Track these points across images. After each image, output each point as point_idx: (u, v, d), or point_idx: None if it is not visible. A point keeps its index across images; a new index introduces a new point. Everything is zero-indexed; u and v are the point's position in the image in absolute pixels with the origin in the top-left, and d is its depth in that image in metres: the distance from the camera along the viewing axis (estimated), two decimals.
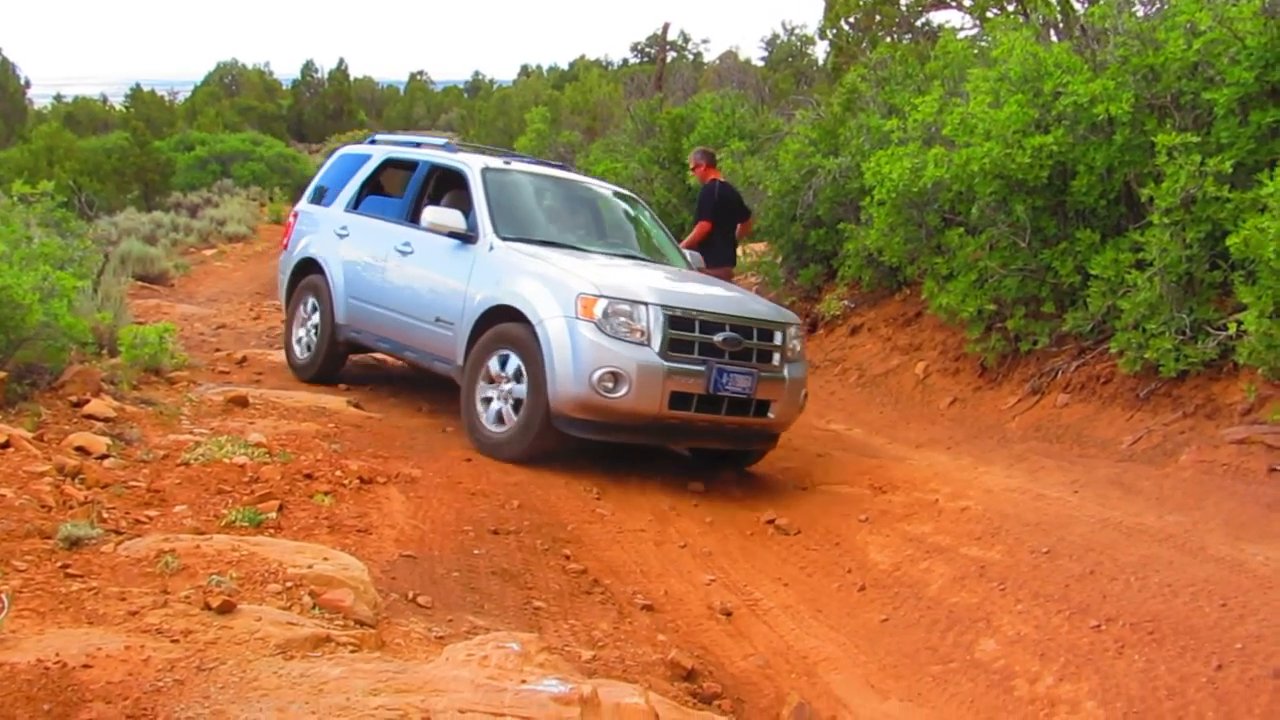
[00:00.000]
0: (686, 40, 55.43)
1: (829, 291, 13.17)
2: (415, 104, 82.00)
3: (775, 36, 46.03)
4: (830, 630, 5.68)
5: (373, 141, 10.86)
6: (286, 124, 63.36)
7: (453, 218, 8.34)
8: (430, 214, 8.44)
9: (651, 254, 9.27)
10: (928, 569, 6.22)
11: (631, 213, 9.93)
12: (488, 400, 7.76)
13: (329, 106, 66.15)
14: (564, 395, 7.21)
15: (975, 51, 11.29)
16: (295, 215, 10.86)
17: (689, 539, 6.70)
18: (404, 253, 8.97)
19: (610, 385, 7.12)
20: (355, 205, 10.01)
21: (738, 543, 6.78)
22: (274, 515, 5.49)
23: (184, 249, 23.35)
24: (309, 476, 6.19)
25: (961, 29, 16.95)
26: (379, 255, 9.27)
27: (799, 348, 8.08)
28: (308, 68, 69.06)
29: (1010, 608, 5.58)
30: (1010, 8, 16.42)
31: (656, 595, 5.80)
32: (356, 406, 8.72)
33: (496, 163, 9.20)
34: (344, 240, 9.78)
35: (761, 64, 41.08)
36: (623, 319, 7.23)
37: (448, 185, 9.38)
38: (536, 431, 7.38)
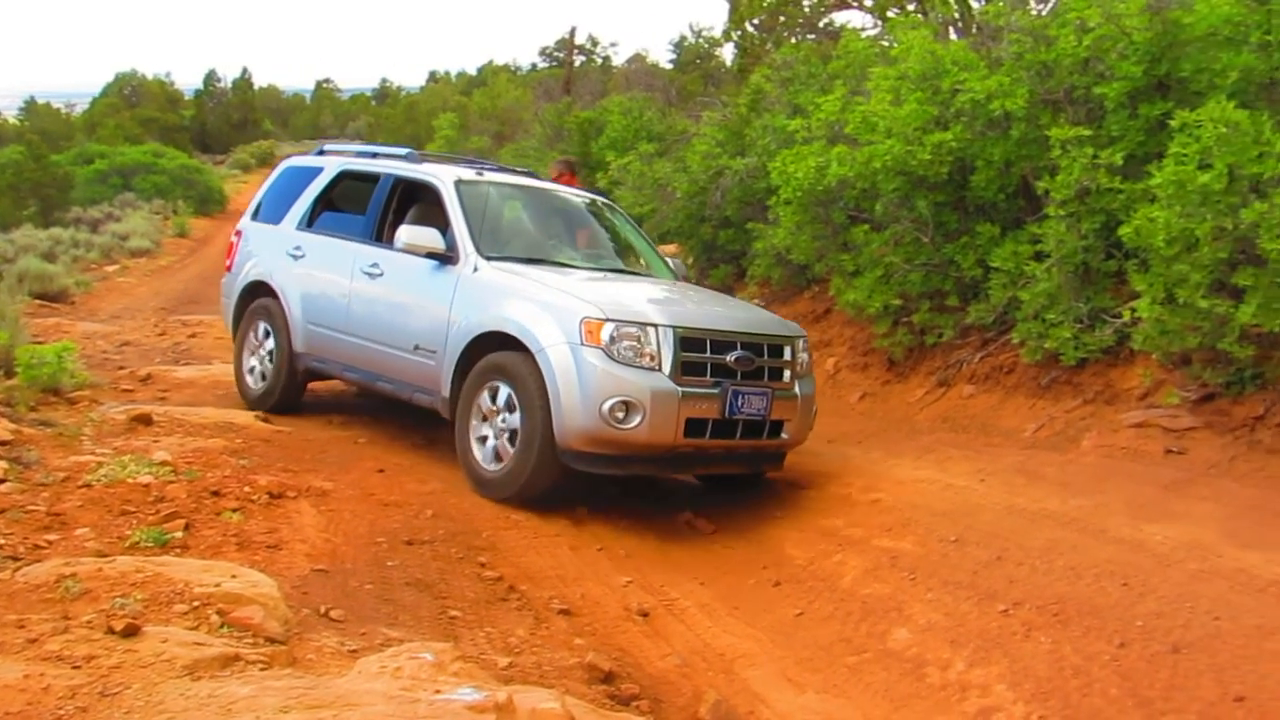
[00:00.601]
0: (595, 44, 55.40)
1: (740, 291, 13.26)
2: (322, 112, 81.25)
3: (683, 39, 46.22)
4: (747, 627, 5.73)
5: (321, 153, 10.07)
6: (190, 135, 62.39)
7: (430, 237, 7.72)
8: (406, 234, 7.73)
9: (636, 266, 8.82)
10: (841, 562, 6.29)
11: (612, 222, 9.41)
12: (483, 438, 7.23)
13: (233, 116, 65.30)
14: (572, 428, 6.68)
15: (877, 51, 11.41)
16: (238, 234, 10.04)
17: (605, 542, 6.71)
18: (372, 275, 8.29)
19: (622, 415, 6.61)
20: (309, 223, 9.28)
21: (655, 544, 6.80)
22: (180, 534, 5.40)
23: (85, 265, 22.81)
24: (217, 493, 6.10)
25: (863, 29, 17.14)
26: (342, 278, 8.54)
27: (808, 361, 7.69)
28: (210, 77, 68.11)
29: (921, 596, 5.68)
30: (910, 7, 16.64)
31: (573, 599, 5.79)
32: (265, 421, 8.60)
33: (469, 174, 8.54)
34: (299, 262, 9.06)
35: (670, 66, 41.21)
36: (631, 343, 6.73)
37: (413, 199, 8.69)
38: (534, 467, 6.86)
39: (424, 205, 8.45)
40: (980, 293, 8.88)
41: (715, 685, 5.04)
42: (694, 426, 6.79)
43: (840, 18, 19.26)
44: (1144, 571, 5.34)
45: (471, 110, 33.52)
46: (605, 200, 9.89)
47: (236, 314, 9.67)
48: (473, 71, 63.36)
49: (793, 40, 19.27)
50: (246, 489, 6.28)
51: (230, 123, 64.84)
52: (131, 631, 3.84)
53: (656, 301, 7.28)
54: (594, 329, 6.71)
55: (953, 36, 11.52)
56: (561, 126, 20.28)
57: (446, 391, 7.50)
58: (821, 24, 20.68)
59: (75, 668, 3.58)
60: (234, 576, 4.56)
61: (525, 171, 10.28)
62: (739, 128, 13.68)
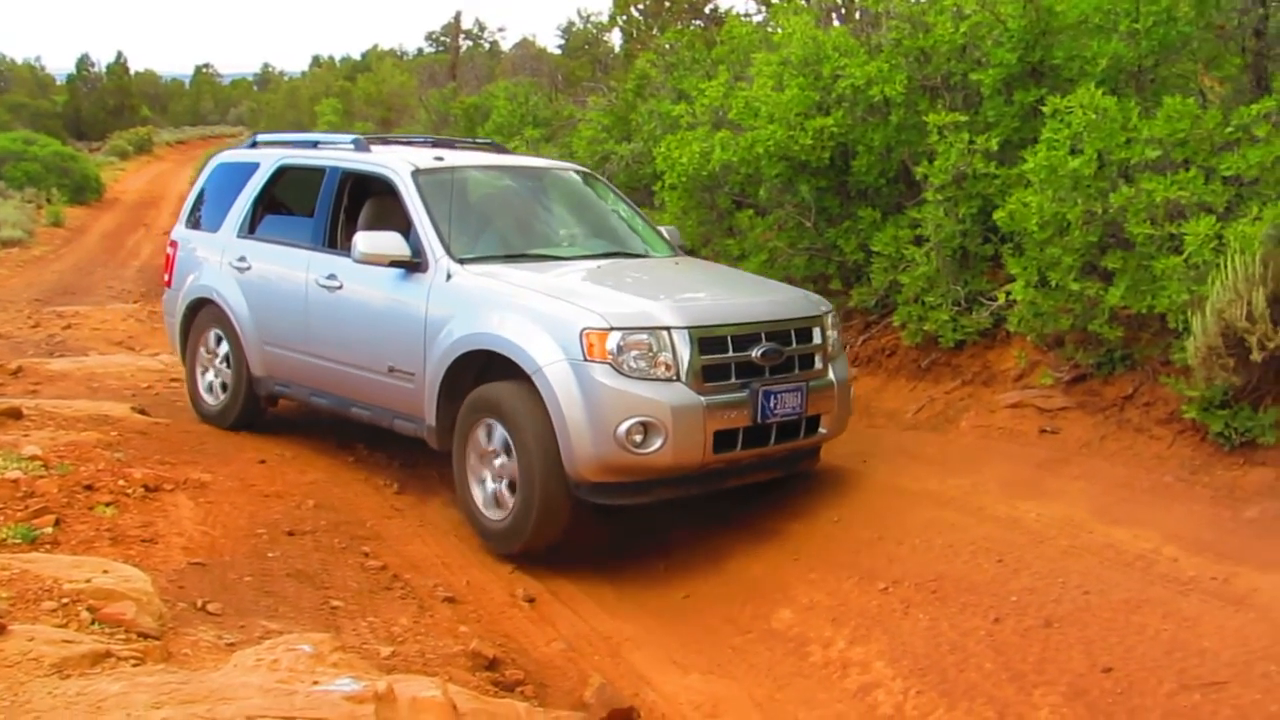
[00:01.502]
0: (481, 29, 55.02)
1: None
2: (202, 98, 79.51)
3: (570, 25, 46.10)
4: (634, 610, 5.77)
5: (254, 144, 8.98)
6: (63, 121, 60.35)
7: (391, 244, 6.67)
8: (363, 243, 6.65)
9: (631, 245, 7.72)
10: (727, 543, 6.35)
11: (597, 196, 8.32)
12: (483, 480, 6.34)
13: (109, 102, 63.45)
14: (584, 458, 5.78)
15: (760, 37, 11.49)
16: (173, 245, 8.97)
17: None
18: (330, 288, 7.25)
19: (640, 439, 5.74)
20: (251, 229, 8.24)
21: None
22: (50, 530, 5.26)
23: None
24: (89, 488, 5.94)
25: (747, 15, 17.29)
26: (297, 292, 7.52)
27: (838, 340, 6.84)
28: (83, 62, 66.00)
29: (804, 576, 5.77)
30: None
31: (459, 587, 5.77)
32: (142, 413, 8.39)
33: (426, 160, 7.40)
34: (246, 275, 8.04)
35: (558, 52, 41.08)
36: (643, 352, 5.82)
37: (366, 194, 7.60)
38: (539, 514, 5.97)
39: (379, 201, 7.42)
40: (862, 277, 9.00)
41: (601, 668, 5.06)
42: (723, 439, 5.96)
43: (724, 3, 19.41)
44: (1018, 548, 5.48)
45: (356, 96, 33.07)
46: (586, 171, 8.87)
47: (183, 332, 8.67)
48: (357, 56, 62.40)
49: (678, 26, 19.35)
50: (121, 482, 6.13)
51: (106, 109, 62.90)
52: None
53: (665, 296, 6.33)
54: (597, 340, 5.80)
55: (834, 23, 11.64)
56: (447, 112, 20.10)
57: (432, 419, 6.58)
58: (706, 9, 20.81)
59: None
60: (106, 572, 4.44)
61: (489, 144, 9.44)
62: (625, 113, 13.69)
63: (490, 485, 6.28)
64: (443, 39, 52.11)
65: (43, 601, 4.06)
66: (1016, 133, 7.83)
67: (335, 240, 7.49)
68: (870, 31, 9.24)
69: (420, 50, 55.00)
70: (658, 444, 5.78)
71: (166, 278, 9.01)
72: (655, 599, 5.90)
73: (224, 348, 8.24)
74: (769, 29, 12.04)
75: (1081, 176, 6.50)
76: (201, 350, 8.49)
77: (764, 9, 17.44)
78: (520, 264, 6.78)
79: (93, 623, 4.04)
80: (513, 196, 7.94)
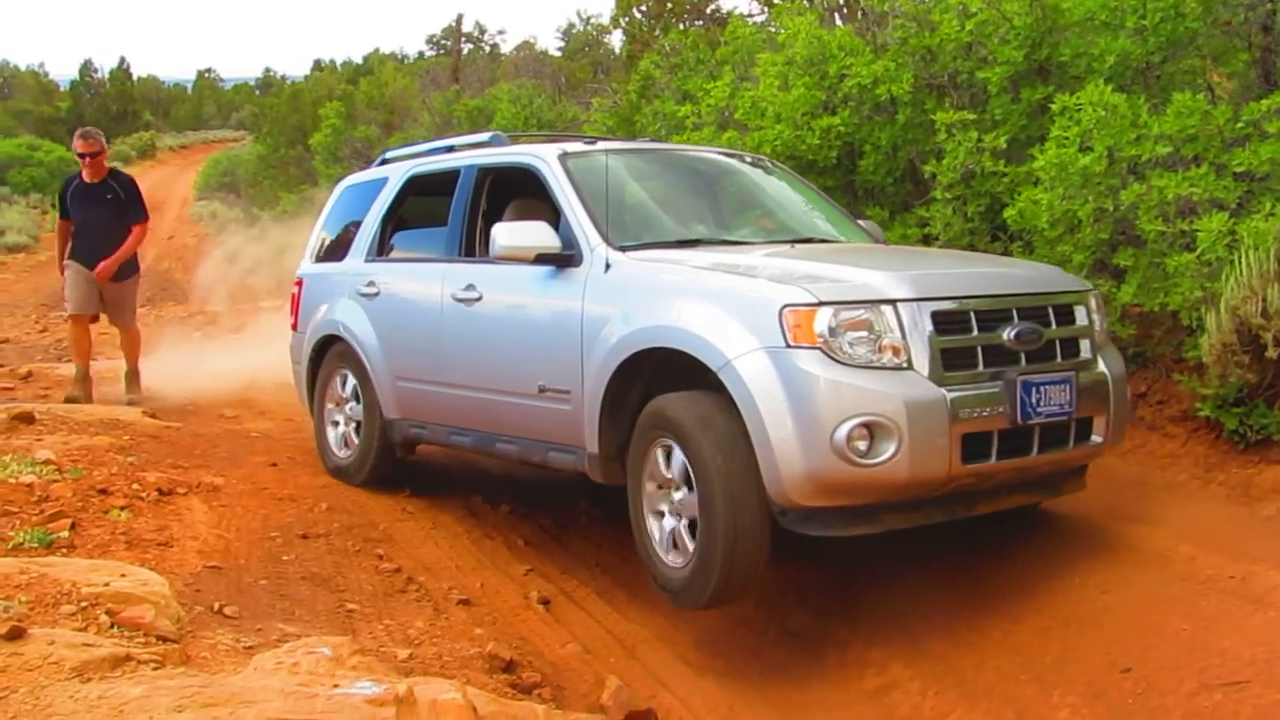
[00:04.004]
0: (482, 32, 55.15)
1: None
2: (204, 102, 79.53)
3: (571, 26, 46.15)
4: (648, 613, 5.74)
5: (383, 161, 7.93)
6: (67, 127, 60.08)
7: (537, 234, 5.61)
8: (503, 234, 5.58)
9: (824, 232, 6.42)
10: None
11: (778, 181, 7.01)
12: (660, 516, 5.09)
13: (112, 108, 63.41)
14: (791, 475, 4.46)
15: (763, 37, 11.49)
16: (299, 283, 8.02)
17: (503, 531, 6.68)
18: (468, 301, 6.22)
19: (865, 445, 4.41)
20: (379, 251, 7.31)
21: (553, 533, 6.78)
22: (66, 534, 5.26)
23: None
24: (104, 492, 5.96)
25: (750, 15, 17.25)
26: (430, 312, 6.52)
27: (1105, 326, 5.52)
28: (86, 68, 66.03)
29: (816, 578, 5.75)
30: None
31: (473, 589, 5.76)
32: (153, 417, 8.41)
33: (576, 145, 6.41)
34: (374, 302, 7.05)
35: (558, 54, 41.10)
36: (863, 333, 4.53)
37: (508, 193, 6.53)
38: (726, 549, 4.60)
39: (524, 201, 6.35)
40: None
41: (617, 671, 5.05)
42: (974, 446, 4.60)
43: (726, 4, 19.42)
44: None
45: (358, 99, 32.98)
46: (760, 157, 7.58)
47: (309, 378, 7.75)
48: (358, 60, 62.49)
49: (680, 27, 19.36)
50: (135, 486, 6.14)
51: (109, 114, 62.84)
52: (16, 634, 3.72)
53: (884, 267, 4.97)
54: (803, 320, 4.51)
55: (838, 22, 11.64)
56: (450, 115, 20.09)
57: (595, 445, 5.41)
58: (708, 10, 20.82)
59: None
60: (123, 575, 4.44)
61: (648, 140, 8.73)
62: (629, 114, 13.68)
63: (669, 523, 5.03)
64: (444, 42, 52.19)
65: (61, 605, 4.06)
66: (1024, 130, 7.83)
67: (473, 249, 6.52)
68: (875, 30, 9.24)
69: (421, 53, 55.17)
70: (889, 452, 4.41)
71: (292, 321, 8.04)
72: (668, 600, 5.90)
73: (355, 392, 7.31)
74: (772, 29, 12.06)
75: (1092, 174, 6.50)
76: (330, 397, 7.56)
77: (766, 9, 17.46)
78: (693, 249, 5.58)
79: (112, 626, 4.03)
80: (679, 181, 6.74)
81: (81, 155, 9.47)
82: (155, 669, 3.76)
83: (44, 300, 17.81)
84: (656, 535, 5.07)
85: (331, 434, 7.50)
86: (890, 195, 9.06)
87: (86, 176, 9.51)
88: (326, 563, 5.72)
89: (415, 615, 5.25)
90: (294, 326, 7.97)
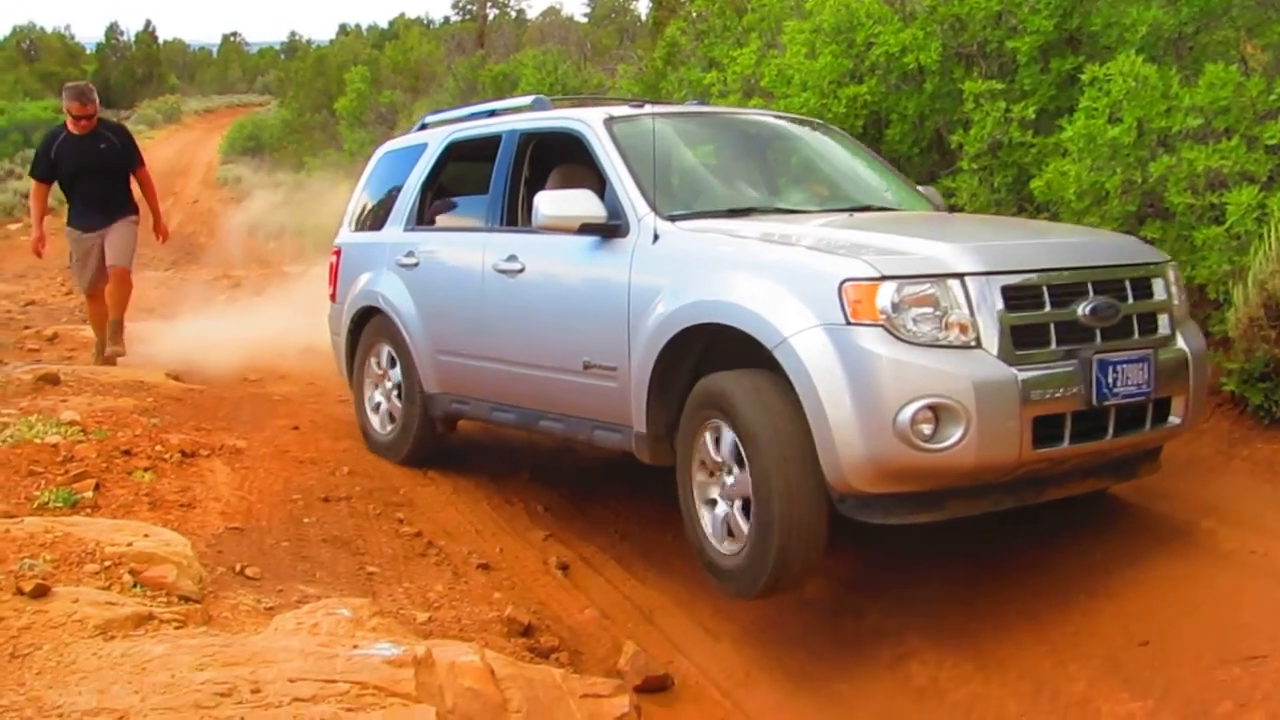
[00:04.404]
0: None
1: None
2: (230, 66, 79.58)
3: None
4: (666, 579, 5.77)
5: (423, 126, 7.60)
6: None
7: (582, 202, 5.35)
8: (546, 203, 5.33)
9: (885, 200, 6.10)
10: None
11: (835, 148, 6.63)
12: (711, 501, 4.87)
13: (137, 71, 63.70)
14: (851, 460, 4.22)
15: (790, 4, 11.40)
16: (337, 252, 7.75)
17: (523, 497, 6.70)
18: (509, 272, 5.95)
19: (931, 429, 4.17)
20: (419, 219, 7.03)
21: (571, 499, 6.80)
22: (90, 494, 5.31)
23: None
24: (127, 453, 6.00)
25: None
26: (471, 283, 6.26)
27: (1184, 300, 5.15)
28: (112, 30, 66.35)
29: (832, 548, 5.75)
30: None
31: (492, 554, 5.79)
32: (176, 379, 8.46)
33: (622, 109, 6.06)
34: (413, 273, 6.78)
35: (584, 20, 40.97)
36: (928, 309, 4.26)
37: (551, 160, 6.33)
38: (782, 536, 4.38)
39: (568, 168, 6.12)
40: None
41: (634, 636, 5.08)
42: (1046, 429, 4.34)
43: None
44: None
45: (383, 65, 32.96)
46: (815, 120, 7.26)
47: (348, 351, 7.48)
48: (384, 24, 62.50)
49: None
50: (158, 448, 6.18)
51: (134, 78, 63.18)
52: (41, 592, 3.77)
53: (949, 238, 4.72)
54: (864, 295, 4.24)
55: None
56: (475, 81, 20.06)
57: (643, 424, 5.17)
58: None
59: None
60: (146, 536, 4.48)
61: (696, 102, 8.42)
62: (654, 81, 13.62)
63: (720, 508, 4.79)
64: (469, 7, 52.09)
65: (85, 564, 4.10)
66: (1052, 101, 7.75)
67: (516, 216, 6.26)
68: None
69: (447, 19, 55.01)
70: (956, 436, 4.17)
71: (331, 292, 7.76)
72: (686, 567, 5.89)
73: (395, 365, 7.07)
74: None
75: (1120, 145, 6.43)
76: (370, 371, 7.31)
77: None
78: (746, 219, 5.30)
79: (134, 585, 4.08)
80: (731, 147, 6.44)
81: (77, 119, 9.15)
82: (177, 628, 3.80)
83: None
84: (708, 523, 4.83)
85: (371, 409, 7.28)
86: (916, 165, 9.00)
87: (75, 129, 9.16)
88: (347, 526, 5.76)
89: (435, 579, 5.28)
90: (332, 297, 7.72)
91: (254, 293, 14.34)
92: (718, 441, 4.73)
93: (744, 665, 4.88)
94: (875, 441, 4.16)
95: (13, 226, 22.74)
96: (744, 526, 4.58)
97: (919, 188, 6.53)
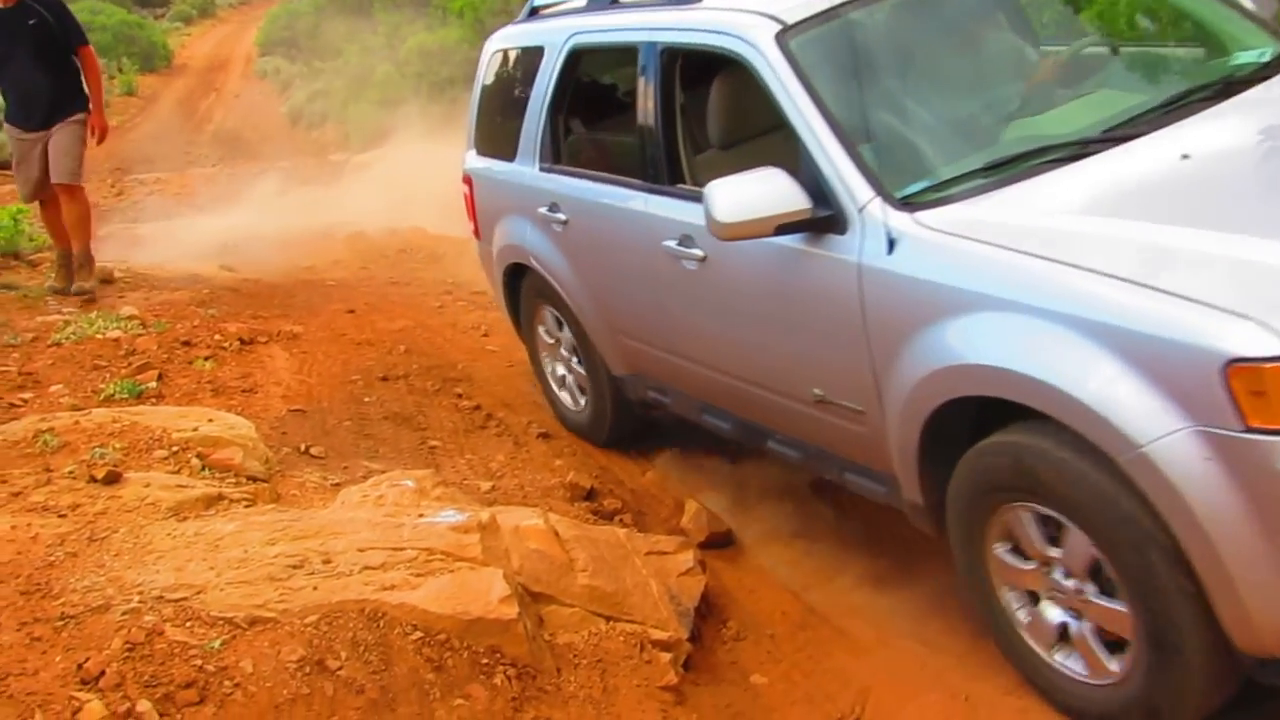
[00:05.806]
0: None
1: None
2: None
3: None
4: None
5: (532, 12, 5.61)
6: None
7: (771, 195, 3.49)
8: (721, 205, 3.48)
9: (1206, 66, 3.94)
10: None
11: None
12: (1029, 595, 3.27)
13: None
14: (1263, 619, 2.67)
15: None
16: (469, 181, 5.96)
17: None
18: (688, 259, 4.16)
19: None
20: (554, 156, 5.16)
21: None
22: (154, 385, 5.44)
23: None
24: (187, 344, 6.10)
25: None
26: (639, 261, 4.56)
27: None
28: None
29: None
30: None
31: (551, 424, 5.82)
32: (230, 270, 8.54)
33: (791, 7, 3.86)
34: (566, 234, 5.05)
35: None
36: None
37: (704, 79, 4.23)
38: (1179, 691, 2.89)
39: (736, 93, 4.10)
40: None
41: (697, 498, 5.10)
42: None
43: None
44: None
45: None
46: None
47: (509, 302, 5.92)
48: None
49: None
50: (217, 337, 6.28)
51: None
52: (113, 479, 3.87)
53: None
54: (1261, 380, 2.51)
55: None
56: None
57: (916, 493, 3.53)
58: None
59: (61, 516, 3.62)
60: (211, 421, 4.57)
61: None
62: None
63: (1055, 614, 3.18)
64: None
65: (154, 450, 4.20)
66: None
67: (680, 173, 4.37)
68: None
69: None
70: None
71: (472, 226, 6.14)
72: None
73: (568, 333, 5.52)
74: None
75: None
76: (541, 333, 5.79)
77: None
78: (1014, 180, 3.33)
79: (203, 469, 4.17)
80: (946, 39, 4.20)
81: None
82: (247, 506, 3.90)
83: (118, 165, 17.96)
84: (1040, 649, 3.24)
85: (553, 378, 5.88)
86: None
87: None
88: (407, 403, 5.83)
89: (496, 449, 5.34)
90: (476, 234, 6.11)
91: (301, 182, 14.36)
92: (1039, 529, 3.12)
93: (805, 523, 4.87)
94: None
95: None
96: (1112, 666, 3.04)
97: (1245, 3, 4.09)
